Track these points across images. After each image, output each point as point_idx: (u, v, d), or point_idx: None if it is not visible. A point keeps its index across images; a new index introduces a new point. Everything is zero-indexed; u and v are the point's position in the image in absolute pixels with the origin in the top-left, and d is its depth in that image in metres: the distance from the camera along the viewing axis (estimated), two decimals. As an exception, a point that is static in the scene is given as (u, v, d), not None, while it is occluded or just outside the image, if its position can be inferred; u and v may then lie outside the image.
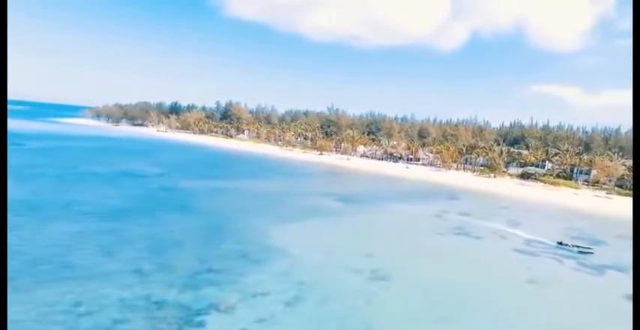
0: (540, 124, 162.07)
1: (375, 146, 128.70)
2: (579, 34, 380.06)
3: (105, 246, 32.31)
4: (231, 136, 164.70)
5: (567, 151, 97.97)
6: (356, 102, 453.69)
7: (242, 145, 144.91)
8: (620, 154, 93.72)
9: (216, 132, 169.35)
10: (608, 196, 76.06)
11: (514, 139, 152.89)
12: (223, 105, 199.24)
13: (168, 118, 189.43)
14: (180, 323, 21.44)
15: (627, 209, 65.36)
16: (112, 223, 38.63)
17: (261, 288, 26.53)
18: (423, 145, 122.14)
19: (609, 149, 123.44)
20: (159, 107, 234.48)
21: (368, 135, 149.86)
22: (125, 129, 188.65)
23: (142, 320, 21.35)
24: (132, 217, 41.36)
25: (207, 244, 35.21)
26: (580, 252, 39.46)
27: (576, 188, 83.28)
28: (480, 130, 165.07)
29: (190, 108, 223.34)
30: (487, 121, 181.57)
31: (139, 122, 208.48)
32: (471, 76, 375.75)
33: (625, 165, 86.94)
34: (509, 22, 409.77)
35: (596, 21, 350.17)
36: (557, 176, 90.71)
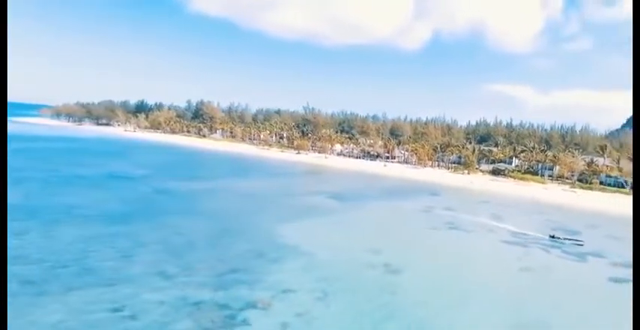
0: (504, 123, 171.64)
1: (352, 145, 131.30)
2: (530, 36, 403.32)
3: (120, 250, 32.20)
4: (204, 136, 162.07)
5: (534, 148, 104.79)
6: (322, 100, 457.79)
7: (217, 144, 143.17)
8: (580, 150, 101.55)
9: (188, 131, 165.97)
10: (572, 190, 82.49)
11: (481, 137, 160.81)
12: (194, 104, 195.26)
13: (137, 117, 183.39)
14: (226, 321, 22.27)
15: (591, 202, 71.66)
16: (118, 226, 38.21)
17: (288, 285, 27.68)
18: (399, 143, 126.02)
19: (566, 146, 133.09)
20: (124, 106, 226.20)
21: (341, 133, 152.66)
22: (90, 129, 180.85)
23: (189, 320, 22.00)
24: (135, 221, 40.99)
25: (220, 244, 35.79)
26: (576, 244, 42.38)
27: (543, 183, 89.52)
28: (448, 129, 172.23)
29: (158, 107, 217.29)
30: (454, 120, 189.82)
31: (104, 122, 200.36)
32: (432, 76, 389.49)
33: (584, 161, 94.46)
34: (467, 23, 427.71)
35: (546, 25, 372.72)
36: (526, 172, 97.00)
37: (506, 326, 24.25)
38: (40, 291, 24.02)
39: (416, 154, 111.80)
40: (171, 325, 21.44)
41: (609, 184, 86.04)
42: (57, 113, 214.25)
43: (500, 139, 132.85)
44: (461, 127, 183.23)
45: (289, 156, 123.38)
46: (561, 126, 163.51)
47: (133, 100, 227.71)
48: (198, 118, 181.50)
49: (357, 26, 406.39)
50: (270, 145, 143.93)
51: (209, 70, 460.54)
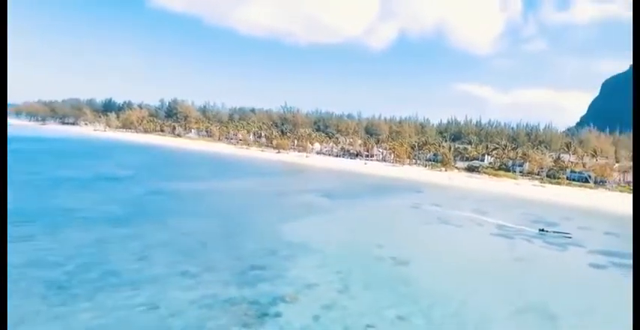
0: (473, 121, 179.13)
1: (331, 144, 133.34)
2: (492, 38, 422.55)
3: (134, 251, 32.40)
4: (179, 135, 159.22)
5: (505, 146, 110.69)
6: (293, 98, 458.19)
7: (194, 144, 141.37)
8: (546, 148, 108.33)
9: (162, 131, 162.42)
10: (542, 185, 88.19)
11: (453, 135, 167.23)
12: (167, 103, 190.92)
13: (107, 116, 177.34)
14: (260, 315, 23.39)
15: (561, 196, 77.04)
16: (123, 229, 38.10)
17: (308, 280, 29.04)
18: (377, 141, 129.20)
19: (532, 143, 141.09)
20: (90, 104, 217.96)
21: (316, 132, 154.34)
22: (56, 128, 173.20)
23: (226, 316, 22.96)
24: (139, 222, 40.88)
25: (231, 244, 36.55)
26: (564, 237, 45.55)
27: (515, 179, 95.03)
28: (421, 127, 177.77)
29: (127, 106, 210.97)
30: (427, 119, 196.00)
31: (71, 121, 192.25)
32: (400, 75, 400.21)
33: (552, 157, 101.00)
34: (432, 24, 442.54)
35: (506, 27, 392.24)
36: (498, 169, 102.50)
37: (514, 306, 26.76)
38: (72, 294, 24.18)
39: (394, 152, 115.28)
40: (211, 321, 22.34)
41: (574, 179, 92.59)
42: (17, 112, 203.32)
43: (474, 138, 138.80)
44: (433, 125, 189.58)
45: (270, 155, 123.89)
46: (526, 124, 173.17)
47: (99, 99, 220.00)
48: (171, 117, 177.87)
49: (325, 25, 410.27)
50: (248, 145, 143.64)
51: (177, 67, 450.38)
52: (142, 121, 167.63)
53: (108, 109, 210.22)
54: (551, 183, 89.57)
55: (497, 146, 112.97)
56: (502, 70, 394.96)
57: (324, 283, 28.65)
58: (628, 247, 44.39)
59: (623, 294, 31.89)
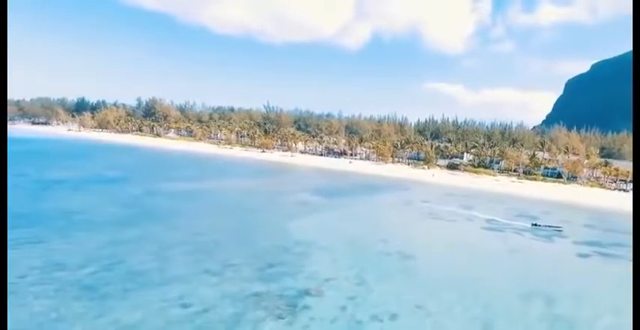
0: (450, 120, 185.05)
1: (316, 143, 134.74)
2: (462, 38, 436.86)
3: (150, 252, 32.87)
4: (158, 135, 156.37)
5: (483, 144, 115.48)
6: (269, 97, 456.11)
7: (176, 144, 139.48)
8: (520, 145, 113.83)
9: (141, 130, 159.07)
10: (520, 181, 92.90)
11: (432, 133, 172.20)
12: (144, 102, 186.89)
13: (82, 115, 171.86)
14: (290, 308, 24.72)
15: (538, 191, 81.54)
16: (132, 230, 38.28)
17: (325, 274, 30.54)
18: (361, 140, 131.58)
19: (505, 141, 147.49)
20: (61, 104, 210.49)
21: (297, 131, 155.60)
22: (27, 128, 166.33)
23: (258, 309, 24.15)
24: (145, 223, 41.07)
25: (243, 242, 37.52)
26: (556, 230, 48.44)
27: (494, 176, 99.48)
28: (400, 126, 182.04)
29: (101, 105, 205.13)
30: (405, 118, 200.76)
31: (42, 121, 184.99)
32: (374, 74, 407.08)
33: (527, 155, 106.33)
34: (405, 25, 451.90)
35: (476, 28, 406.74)
36: (478, 166, 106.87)
37: (517, 292, 29.21)
38: (104, 294, 24.69)
39: (378, 151, 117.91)
40: (247, 314, 23.50)
41: (548, 175, 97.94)
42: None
43: (453, 136, 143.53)
44: (411, 124, 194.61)
45: (255, 155, 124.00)
46: (500, 123, 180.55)
47: (70, 98, 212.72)
48: (150, 116, 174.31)
49: (299, 24, 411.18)
50: (231, 144, 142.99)
51: (150, 66, 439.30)
52: (119, 120, 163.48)
53: (80, 108, 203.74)
54: (527, 179, 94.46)
55: (476, 144, 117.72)
56: (472, 69, 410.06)
57: (342, 277, 30.22)
58: (606, 238, 48.44)
59: (608, 278, 35.31)
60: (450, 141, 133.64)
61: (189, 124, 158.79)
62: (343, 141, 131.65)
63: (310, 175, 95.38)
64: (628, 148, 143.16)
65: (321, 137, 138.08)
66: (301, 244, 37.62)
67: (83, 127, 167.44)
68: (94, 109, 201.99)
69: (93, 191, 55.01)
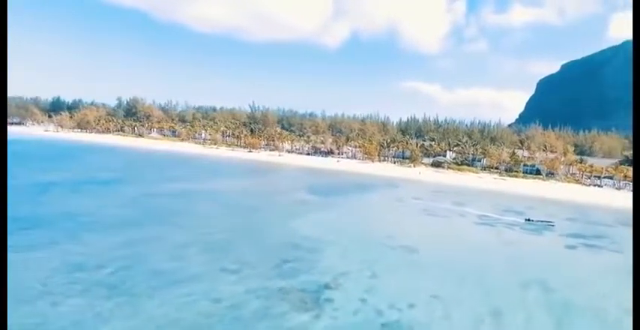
0: (432, 119, 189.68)
1: (303, 142, 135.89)
2: (438, 38, 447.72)
3: (164, 252, 33.34)
4: (141, 135, 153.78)
5: (466, 142, 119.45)
6: (250, 96, 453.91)
7: (161, 144, 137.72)
8: (503, 143, 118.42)
9: (123, 131, 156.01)
10: (502, 178, 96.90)
11: (414, 132, 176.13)
12: (125, 101, 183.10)
13: (60, 115, 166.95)
14: (315, 301, 25.97)
15: (520, 188, 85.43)
16: (140, 231, 38.46)
17: (339, 269, 31.87)
18: (347, 139, 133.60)
19: (484, 139, 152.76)
20: (35, 103, 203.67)
21: (282, 130, 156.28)
22: None
23: (285, 304, 25.29)
24: (152, 224, 41.30)
25: (253, 240, 38.39)
26: (548, 225, 50.90)
27: (477, 173, 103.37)
28: (383, 125, 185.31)
29: (78, 104, 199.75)
30: (387, 117, 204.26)
31: (16, 121, 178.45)
32: (353, 73, 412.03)
33: (508, 153, 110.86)
34: (383, 24, 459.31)
35: (451, 28, 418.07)
36: (461, 164, 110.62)
37: (518, 279, 31.43)
38: (130, 293, 25.26)
39: (364, 150, 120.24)
40: (274, 308, 24.60)
41: (528, 172, 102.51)
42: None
43: (437, 135, 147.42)
44: (393, 123, 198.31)
45: (242, 154, 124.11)
46: (478, 122, 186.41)
47: (44, 97, 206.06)
48: (131, 116, 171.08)
49: (279, 22, 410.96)
50: (217, 144, 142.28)
51: (127, 64, 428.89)
52: (99, 120, 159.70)
53: (56, 108, 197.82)
54: (509, 176, 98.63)
55: (459, 143, 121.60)
56: (448, 69, 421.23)
57: (355, 271, 31.67)
58: (588, 231, 51.81)
59: (596, 267, 38.18)
60: (433, 139, 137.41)
61: (172, 124, 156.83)
62: (330, 140, 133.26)
63: (301, 174, 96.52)
64: (599, 145, 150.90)
65: (308, 137, 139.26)
66: (309, 241, 38.83)
67: (61, 127, 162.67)
68: (70, 108, 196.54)
69: (90, 193, 54.48)
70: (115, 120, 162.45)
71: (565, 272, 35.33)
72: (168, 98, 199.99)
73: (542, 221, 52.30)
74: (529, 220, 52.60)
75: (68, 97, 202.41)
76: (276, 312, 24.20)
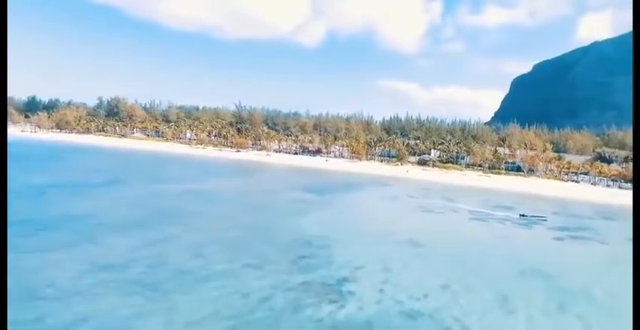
0: (414, 118, 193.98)
1: (290, 142, 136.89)
2: (415, 38, 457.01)
3: (184, 251, 34.23)
4: (124, 135, 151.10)
5: (450, 141, 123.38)
6: (227, 95, 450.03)
7: (145, 144, 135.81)
8: (484, 142, 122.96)
9: (105, 131, 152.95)
10: (486, 175, 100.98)
11: (398, 131, 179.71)
12: (106, 101, 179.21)
13: (37, 115, 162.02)
14: (337, 293, 27.59)
15: (505, 184, 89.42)
16: (153, 231, 39.03)
17: (354, 263, 33.57)
18: (335, 139, 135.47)
19: (465, 138, 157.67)
20: (9, 103, 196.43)
21: (268, 130, 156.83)
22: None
23: (310, 296, 26.83)
24: (163, 225, 41.70)
25: (265, 238, 39.50)
26: (541, 220, 53.98)
27: (462, 171, 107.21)
28: (367, 125, 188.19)
29: (54, 103, 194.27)
30: (370, 116, 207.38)
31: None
32: (332, 72, 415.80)
33: (490, 150, 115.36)
34: (360, 23, 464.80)
35: (428, 28, 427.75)
36: (446, 162, 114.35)
37: (517, 268, 34.01)
38: (162, 290, 26.20)
39: (352, 149, 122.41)
40: (303, 300, 26.09)
41: (510, 169, 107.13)
42: None
43: (421, 134, 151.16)
44: (377, 122, 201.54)
45: (230, 154, 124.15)
46: (459, 121, 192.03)
47: (18, 96, 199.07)
48: (113, 116, 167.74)
49: (255, 20, 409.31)
50: (203, 144, 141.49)
51: (100, 63, 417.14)
52: (79, 120, 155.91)
53: (32, 107, 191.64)
54: (492, 173, 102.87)
55: (443, 141, 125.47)
56: (426, 68, 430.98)
57: (369, 265, 33.46)
58: (571, 223, 55.42)
59: (584, 256, 41.31)
60: (418, 138, 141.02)
61: (156, 124, 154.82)
62: (317, 139, 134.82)
63: (292, 173, 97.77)
64: (572, 143, 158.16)
65: (297, 136, 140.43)
66: (317, 238, 40.36)
67: (39, 127, 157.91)
68: (46, 108, 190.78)
69: (90, 195, 54.22)
70: (96, 120, 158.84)
71: (557, 262, 38.20)
72: (146, 97, 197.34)
73: (535, 216, 55.54)
74: (523, 215, 55.71)
75: (44, 97, 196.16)
76: (305, 303, 25.69)
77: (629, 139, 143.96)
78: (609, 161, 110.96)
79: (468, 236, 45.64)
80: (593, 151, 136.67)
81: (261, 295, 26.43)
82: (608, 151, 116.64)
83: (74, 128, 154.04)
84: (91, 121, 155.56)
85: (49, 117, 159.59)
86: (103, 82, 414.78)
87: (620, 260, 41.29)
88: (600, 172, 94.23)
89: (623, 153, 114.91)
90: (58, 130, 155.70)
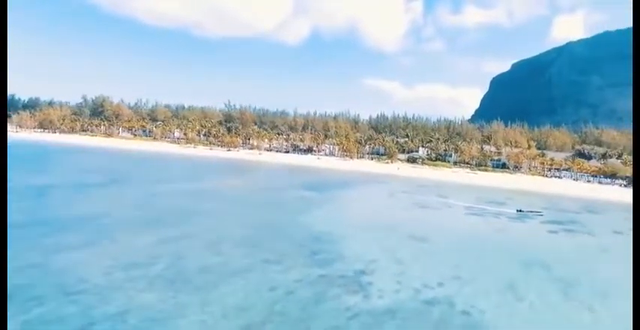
0: (401, 116, 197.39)
1: (282, 140, 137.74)
2: (397, 37, 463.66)
3: (202, 248, 35.01)
4: (110, 135, 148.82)
5: (438, 139, 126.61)
6: (205, 94, 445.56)
7: (136, 144, 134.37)
8: (472, 139, 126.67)
9: (91, 130, 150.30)
10: (474, 172, 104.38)
11: (385, 129, 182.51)
12: (91, 100, 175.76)
13: (18, 114, 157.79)
14: (357, 284, 29.08)
15: (494, 181, 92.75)
16: (167, 230, 39.59)
17: (367, 256, 35.14)
18: (325, 137, 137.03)
19: (452, 136, 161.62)
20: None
21: (258, 129, 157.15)
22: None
23: (333, 288, 28.29)
24: (174, 223, 42.41)
25: (277, 235, 40.66)
26: (537, 215, 56.66)
27: (450, 168, 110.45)
28: (355, 123, 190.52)
29: (34, 102, 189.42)
30: (357, 114, 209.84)
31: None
32: (314, 70, 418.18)
33: (477, 148, 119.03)
34: (343, 22, 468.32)
35: (409, 27, 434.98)
36: (435, 159, 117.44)
37: (518, 259, 36.29)
38: (192, 286, 27.10)
39: (344, 147, 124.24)
40: (327, 292, 27.49)
41: (495, 166, 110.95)
42: None
43: (409, 132, 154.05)
44: (363, 120, 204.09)
45: (222, 153, 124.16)
46: (444, 119, 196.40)
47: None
48: (98, 115, 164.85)
49: (236, 18, 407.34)
50: (194, 143, 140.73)
51: (76, 60, 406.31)
52: (63, 120, 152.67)
53: (11, 107, 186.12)
54: (480, 170, 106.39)
55: (431, 139, 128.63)
56: (407, 66, 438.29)
57: (382, 259, 35.10)
58: (562, 217, 58.44)
59: (579, 248, 44.05)
60: (407, 136, 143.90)
61: (144, 123, 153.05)
62: (309, 138, 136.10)
63: (287, 171, 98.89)
64: (552, 140, 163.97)
65: (288, 135, 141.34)
66: (328, 234, 41.80)
67: (20, 127, 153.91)
68: (26, 107, 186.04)
69: (93, 195, 54.12)
70: (81, 119, 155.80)
71: (553, 252, 40.73)
72: (126, 95, 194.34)
73: (532, 211, 58.35)
74: (520, 210, 58.33)
75: (23, 95, 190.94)
76: (329, 295, 27.08)
77: (605, 136, 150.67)
78: (589, 158, 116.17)
79: (467, 230, 47.92)
80: (572, 148, 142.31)
81: (287, 288, 27.68)
82: (587, 148, 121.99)
83: (58, 128, 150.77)
84: (76, 121, 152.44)
85: (31, 116, 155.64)
86: (82, 81, 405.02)
87: (608, 250, 44.43)
88: (581, 168, 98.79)
89: (601, 150, 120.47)
90: (42, 130, 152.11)
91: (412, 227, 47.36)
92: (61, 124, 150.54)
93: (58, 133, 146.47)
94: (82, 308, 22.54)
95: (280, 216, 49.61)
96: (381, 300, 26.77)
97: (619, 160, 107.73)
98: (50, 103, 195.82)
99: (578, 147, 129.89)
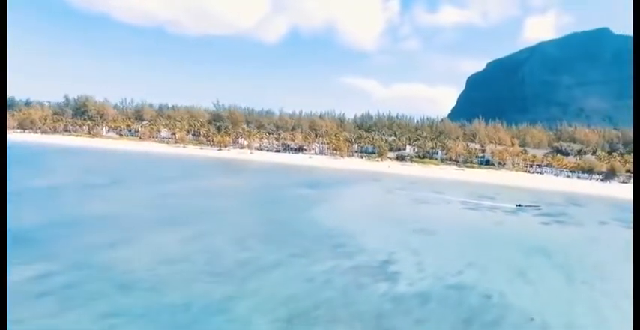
0: (385, 115, 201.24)
1: (272, 140, 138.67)
2: (375, 36, 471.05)
3: (228, 245, 36.42)
4: (95, 135, 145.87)
5: (425, 137, 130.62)
6: (187, 93, 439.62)
7: (123, 144, 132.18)
8: (458, 138, 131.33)
9: (75, 131, 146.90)
10: (461, 169, 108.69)
11: (370, 128, 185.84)
12: (73, 99, 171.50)
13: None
14: (385, 274, 31.34)
15: (480, 177, 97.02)
16: (186, 229, 40.37)
17: (385, 249, 37.50)
18: (316, 136, 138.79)
19: (437, 135, 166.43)
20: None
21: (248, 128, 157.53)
22: None
23: (364, 277, 30.49)
24: (192, 222, 43.35)
25: (292, 231, 42.26)
26: (536, 209, 60.01)
27: (438, 165, 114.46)
28: (341, 122, 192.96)
29: (13, 102, 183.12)
30: (343, 113, 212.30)
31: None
32: (293, 69, 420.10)
33: (463, 146, 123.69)
34: (321, 21, 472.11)
35: (386, 26, 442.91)
36: (423, 157, 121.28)
37: (521, 248, 39.53)
38: (235, 278, 28.69)
39: (334, 146, 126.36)
40: (359, 280, 29.53)
41: (481, 163, 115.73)
42: None
43: (398, 131, 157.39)
44: (349, 120, 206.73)
45: (213, 153, 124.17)
46: (427, 118, 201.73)
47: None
48: (81, 115, 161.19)
49: (214, 16, 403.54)
50: (183, 143, 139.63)
51: (50, 57, 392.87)
52: (45, 120, 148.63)
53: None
54: (467, 167, 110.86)
55: (419, 137, 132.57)
56: (384, 65, 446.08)
57: (399, 251, 37.50)
58: (551, 210, 62.51)
59: (572, 237, 47.81)
60: (394, 135, 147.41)
61: (129, 123, 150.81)
62: (300, 137, 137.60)
63: (281, 170, 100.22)
64: (530, 138, 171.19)
65: (279, 134, 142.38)
66: (337, 229, 43.69)
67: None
68: (10, 106, 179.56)
69: (98, 197, 53.98)
70: (64, 119, 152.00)
71: (549, 241, 44.30)
72: (102, 94, 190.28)
73: (530, 206, 62.02)
74: (519, 205, 61.80)
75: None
76: (362, 283, 29.26)
77: (578, 134, 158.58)
78: (566, 154, 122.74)
79: (468, 223, 51.08)
80: (549, 145, 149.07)
81: (323, 278, 29.71)
82: (564, 146, 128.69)
83: (39, 128, 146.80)
84: (59, 121, 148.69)
85: (11, 116, 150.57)
86: (57, 79, 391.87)
87: (597, 238, 48.48)
88: (561, 164, 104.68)
89: (577, 146, 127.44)
90: (21, 130, 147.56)
91: (417, 221, 50.08)
92: (44, 124, 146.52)
93: (39, 134, 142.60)
94: (146, 303, 23.83)
95: (288, 213, 51.30)
96: (412, 286, 29.17)
97: (594, 157, 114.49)
98: (27, 103, 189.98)
99: (555, 144, 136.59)
